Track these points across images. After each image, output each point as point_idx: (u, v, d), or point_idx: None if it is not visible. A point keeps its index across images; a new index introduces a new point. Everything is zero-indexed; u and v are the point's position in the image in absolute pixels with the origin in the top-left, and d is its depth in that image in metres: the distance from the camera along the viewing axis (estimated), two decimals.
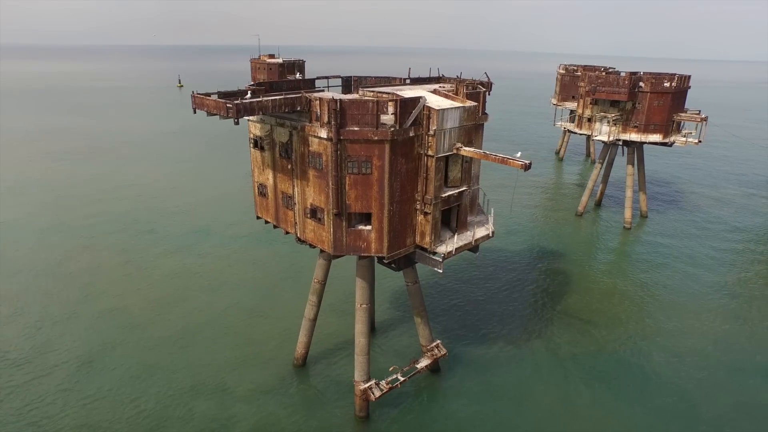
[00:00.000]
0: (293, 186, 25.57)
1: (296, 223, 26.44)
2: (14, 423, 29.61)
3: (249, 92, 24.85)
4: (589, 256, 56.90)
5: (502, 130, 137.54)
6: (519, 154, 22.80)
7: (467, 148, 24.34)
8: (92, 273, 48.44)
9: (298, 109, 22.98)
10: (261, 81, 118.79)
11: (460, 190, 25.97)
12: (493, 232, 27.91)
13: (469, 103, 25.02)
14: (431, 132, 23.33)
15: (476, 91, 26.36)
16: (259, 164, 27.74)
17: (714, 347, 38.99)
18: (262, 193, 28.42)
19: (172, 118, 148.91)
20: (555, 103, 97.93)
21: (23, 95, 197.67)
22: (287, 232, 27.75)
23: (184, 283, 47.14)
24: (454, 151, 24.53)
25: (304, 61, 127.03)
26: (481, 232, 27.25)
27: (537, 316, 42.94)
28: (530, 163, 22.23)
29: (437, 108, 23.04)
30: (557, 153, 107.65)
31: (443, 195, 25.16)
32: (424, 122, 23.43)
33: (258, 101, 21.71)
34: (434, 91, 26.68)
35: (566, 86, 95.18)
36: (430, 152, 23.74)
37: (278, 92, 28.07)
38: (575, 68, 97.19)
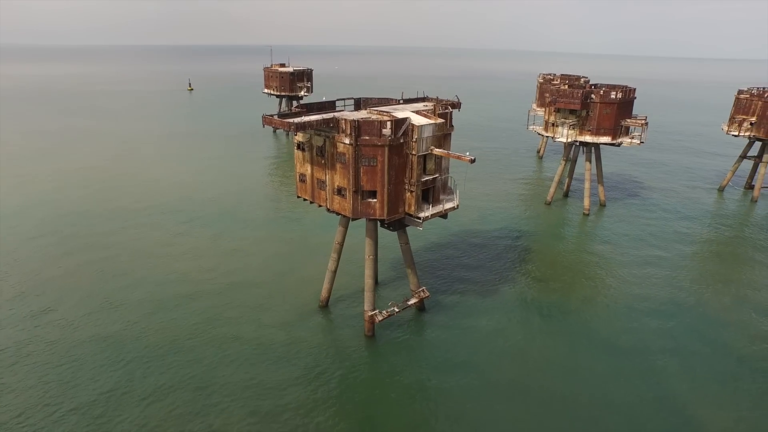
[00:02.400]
0: (325, 174, 39.21)
1: (327, 199, 40.08)
2: (121, 331, 43.28)
3: (302, 115, 38.43)
4: (550, 235, 70.51)
5: (492, 132, 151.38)
6: (467, 153, 36.42)
7: (437, 150, 38.01)
8: (150, 247, 62.06)
9: (331, 125, 36.60)
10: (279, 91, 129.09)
11: (434, 176, 39.65)
12: (457, 205, 41.62)
13: (440, 120, 38.64)
14: (414, 139, 36.95)
15: (445, 111, 40.03)
16: (300, 160, 41.37)
17: (637, 300, 52.72)
18: (302, 180, 42.04)
19: (186, 120, 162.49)
20: (535, 108, 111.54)
21: (44, 99, 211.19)
22: (320, 206, 41.37)
23: (222, 254, 60.79)
24: (429, 152, 38.19)
25: (311, 70, 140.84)
26: (449, 204, 40.99)
27: (502, 276, 56.60)
28: (474, 159, 35.89)
29: (418, 124, 36.68)
30: (538, 152, 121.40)
31: (423, 179, 38.82)
32: (410, 133, 37.03)
33: (308, 121, 35.40)
34: (417, 112, 40.29)
35: (544, 94, 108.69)
36: (413, 152, 37.36)
37: (313, 111, 41.73)
38: (552, 77, 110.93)
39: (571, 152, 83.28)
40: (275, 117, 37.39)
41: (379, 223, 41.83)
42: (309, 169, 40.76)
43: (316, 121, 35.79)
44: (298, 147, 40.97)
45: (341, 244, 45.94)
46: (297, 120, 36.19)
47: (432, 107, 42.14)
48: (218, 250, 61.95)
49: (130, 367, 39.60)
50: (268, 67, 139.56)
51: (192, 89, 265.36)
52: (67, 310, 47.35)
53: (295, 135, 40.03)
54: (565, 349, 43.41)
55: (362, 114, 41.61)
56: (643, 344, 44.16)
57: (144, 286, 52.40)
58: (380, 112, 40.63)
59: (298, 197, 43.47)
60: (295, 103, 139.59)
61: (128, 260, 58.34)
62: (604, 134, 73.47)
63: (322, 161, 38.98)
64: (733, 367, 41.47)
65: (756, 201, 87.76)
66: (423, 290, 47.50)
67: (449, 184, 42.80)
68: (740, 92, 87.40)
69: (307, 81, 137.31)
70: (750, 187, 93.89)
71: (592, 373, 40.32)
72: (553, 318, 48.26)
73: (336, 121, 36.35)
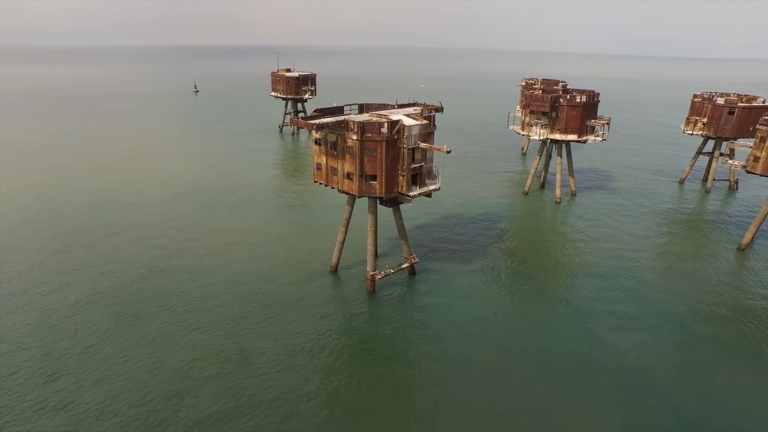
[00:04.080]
0: (337, 163, 51.10)
1: (338, 182, 51.98)
2: (166, 288, 55.06)
3: (320, 118, 50.29)
4: (524, 219, 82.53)
5: (483, 131, 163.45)
6: (445, 146, 48.41)
7: (423, 144, 49.98)
8: (180, 228, 73.81)
9: (342, 125, 48.49)
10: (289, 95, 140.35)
11: (420, 164, 51.60)
12: (439, 187, 53.62)
13: (425, 122, 50.59)
14: (405, 136, 48.86)
15: (429, 114, 52.00)
16: (317, 153, 53.25)
17: (588, 268, 64.76)
18: (319, 168, 53.92)
19: (195, 121, 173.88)
20: (519, 109, 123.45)
21: (54, 101, 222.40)
22: (332, 188, 53.23)
23: (241, 232, 72.54)
24: (417, 145, 50.13)
25: (315, 75, 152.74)
26: (432, 186, 53.01)
27: (480, 249, 68.57)
28: (450, 150, 47.82)
29: (408, 125, 48.63)
30: (522, 150, 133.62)
31: (412, 167, 50.74)
32: (402, 131, 48.94)
33: (325, 122, 47.28)
34: (408, 115, 52.23)
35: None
36: (404, 146, 49.27)
37: (327, 114, 53.65)
38: (533, 81, 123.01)
39: (545, 148, 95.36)
40: (300, 120, 49.29)
41: (378, 201, 53.75)
42: (324, 159, 52.67)
43: (331, 122, 47.73)
44: (316, 142, 52.86)
45: (348, 220, 57.86)
46: (317, 121, 48.20)
47: (420, 111, 54.15)
48: (238, 229, 73.74)
49: (175, 310, 51.42)
50: (275, 72, 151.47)
51: (197, 91, 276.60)
52: (121, 274, 59.14)
53: (315, 133, 51.92)
54: (522, 302, 55.47)
55: (365, 116, 53.56)
56: (583, 300, 56.20)
57: (179, 256, 64.20)
58: (379, 115, 52.61)
59: (315, 182, 55.34)
60: (299, 105, 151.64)
61: (163, 237, 70.16)
62: (572, 133, 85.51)
63: (335, 153, 50.91)
64: (648, 313, 53.52)
65: (709, 191, 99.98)
66: (413, 257, 59.47)
67: (433, 171, 54.71)
68: (695, 96, 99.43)
69: (311, 85, 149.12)
70: (706, 179, 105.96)
71: (537, 317, 52.44)
72: (518, 281, 60.31)
73: (346, 123, 48.31)
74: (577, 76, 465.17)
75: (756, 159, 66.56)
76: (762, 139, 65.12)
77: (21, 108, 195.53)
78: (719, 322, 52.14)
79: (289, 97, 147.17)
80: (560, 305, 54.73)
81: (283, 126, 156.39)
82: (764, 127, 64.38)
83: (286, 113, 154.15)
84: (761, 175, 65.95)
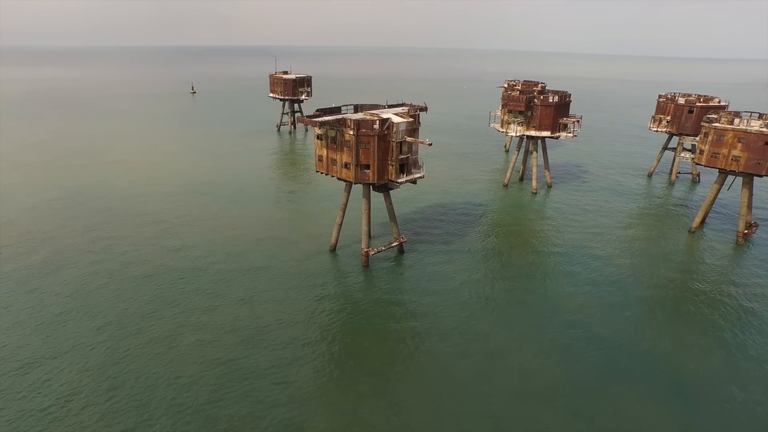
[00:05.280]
0: (336, 155, 60.03)
1: (337, 170, 60.90)
2: (185, 265, 63.73)
3: (321, 117, 59.21)
4: (502, 207, 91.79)
5: (469, 130, 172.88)
6: (427, 140, 57.46)
7: (409, 138, 59.05)
8: (191, 215, 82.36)
9: (341, 123, 57.42)
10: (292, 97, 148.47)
11: (407, 156, 60.64)
12: (423, 175, 62.68)
13: (410, 119, 59.65)
14: (394, 131, 57.87)
15: (415, 113, 61.08)
16: (319, 146, 62.13)
17: (554, 247, 74.12)
18: (320, 159, 62.80)
19: (195, 121, 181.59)
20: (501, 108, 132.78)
21: (59, 102, 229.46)
22: (332, 176, 62.12)
23: (247, 219, 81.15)
24: (403, 139, 59.17)
25: (311, 77, 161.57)
26: (417, 174, 62.10)
27: (461, 232, 77.71)
28: (431, 143, 56.85)
29: (396, 122, 57.68)
30: (505, 146, 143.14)
31: (400, 158, 59.75)
32: (391, 128, 57.94)
33: (327, 120, 56.22)
34: (397, 113, 61.29)
35: None
36: (393, 140, 58.26)
37: (327, 113, 62.60)
38: (515, 83, 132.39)
39: (522, 144, 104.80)
40: (306, 118, 58.34)
41: (371, 187, 62.74)
42: (325, 152, 61.63)
43: (332, 120, 56.73)
44: (318, 137, 61.78)
45: (345, 204, 66.84)
46: (320, 119, 57.25)
47: (407, 110, 63.23)
48: (244, 217, 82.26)
49: (192, 282, 60.11)
50: (273, 74, 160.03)
51: (194, 92, 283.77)
52: (142, 253, 67.76)
53: (317, 129, 60.86)
54: (494, 274, 64.73)
55: (360, 115, 62.52)
56: (546, 271, 65.57)
57: (192, 241, 72.78)
58: (372, 114, 61.61)
59: (317, 171, 64.23)
60: (296, 106, 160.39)
61: (175, 225, 78.63)
62: (545, 130, 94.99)
63: (334, 146, 59.87)
64: (601, 282, 62.90)
65: (673, 184, 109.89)
66: (402, 237, 68.56)
67: (419, 162, 63.80)
68: (660, 96, 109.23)
69: (307, 86, 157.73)
70: (672, 172, 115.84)
71: (504, 284, 61.70)
72: (492, 257, 69.56)
73: (344, 120, 57.31)
74: (570, 77, 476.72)
75: (701, 152, 76.18)
76: (705, 135, 74.72)
77: (25, 110, 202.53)
78: (659, 288, 61.63)
79: (286, 98, 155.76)
80: (524, 276, 63.96)
81: (280, 125, 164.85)
82: (706, 124, 73.99)
83: (283, 113, 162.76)
84: (705, 166, 75.53)
